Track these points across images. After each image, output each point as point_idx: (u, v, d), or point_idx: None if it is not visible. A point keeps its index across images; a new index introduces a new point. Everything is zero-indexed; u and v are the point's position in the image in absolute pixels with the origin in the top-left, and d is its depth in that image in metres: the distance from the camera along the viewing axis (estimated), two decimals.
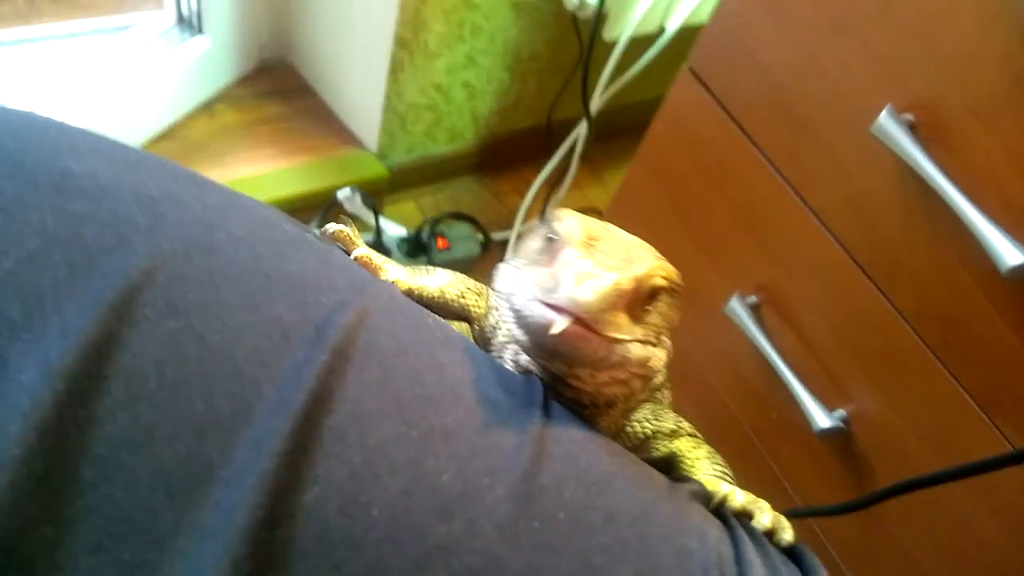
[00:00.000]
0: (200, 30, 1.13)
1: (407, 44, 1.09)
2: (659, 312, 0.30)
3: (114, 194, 0.24)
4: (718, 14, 0.74)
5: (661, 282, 0.29)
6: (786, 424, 0.75)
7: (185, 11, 1.13)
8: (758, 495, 0.33)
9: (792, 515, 0.76)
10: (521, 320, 0.28)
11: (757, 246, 0.76)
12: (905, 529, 0.71)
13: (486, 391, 0.27)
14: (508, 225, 1.33)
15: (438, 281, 0.34)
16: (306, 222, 1.17)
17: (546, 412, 0.28)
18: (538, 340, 0.28)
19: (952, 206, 0.55)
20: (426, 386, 0.25)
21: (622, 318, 0.28)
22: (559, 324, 0.26)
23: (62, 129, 0.26)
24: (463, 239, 1.26)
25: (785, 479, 0.81)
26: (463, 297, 0.35)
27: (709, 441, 0.36)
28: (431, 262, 1.22)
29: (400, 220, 1.27)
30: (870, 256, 0.66)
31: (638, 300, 0.28)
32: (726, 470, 0.33)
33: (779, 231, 0.73)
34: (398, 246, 1.21)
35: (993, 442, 0.61)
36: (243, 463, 0.21)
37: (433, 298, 0.33)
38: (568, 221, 0.29)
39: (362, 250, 0.31)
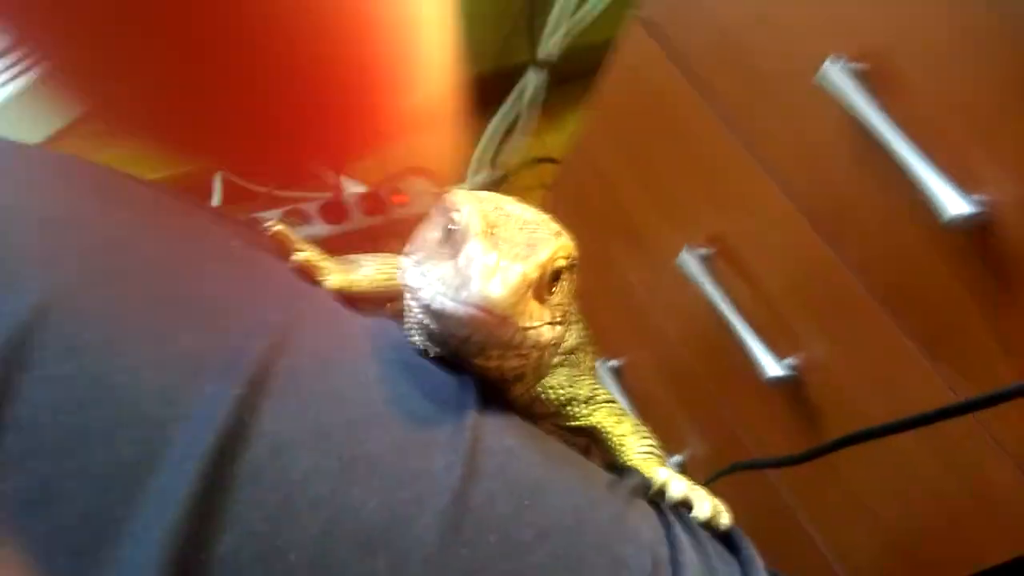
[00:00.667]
0: None
1: None
2: (562, 291, 0.30)
3: (12, 223, 0.23)
4: None
5: (563, 263, 0.29)
6: (739, 373, 0.76)
7: None
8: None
9: (744, 467, 0.78)
10: (433, 316, 0.28)
11: (708, 198, 0.76)
12: (857, 476, 0.72)
13: (414, 407, 0.26)
14: (463, 177, 1.31)
15: (367, 272, 0.34)
16: (264, 184, 1.15)
17: (480, 411, 0.27)
18: (452, 333, 0.28)
19: (896, 155, 0.55)
20: (349, 409, 0.24)
21: (532, 305, 0.28)
22: (471, 322, 0.26)
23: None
24: (421, 194, 1.24)
25: (740, 428, 0.82)
26: (391, 280, 0.35)
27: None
28: (390, 218, 1.20)
29: (360, 175, 1.24)
30: (817, 206, 0.66)
31: (543, 284, 0.29)
32: (653, 444, 0.34)
33: (729, 183, 0.73)
34: (357, 204, 1.19)
35: (938, 390, 0.62)
36: (150, 516, 0.20)
37: (365, 291, 0.34)
38: (466, 210, 0.28)
39: (300, 254, 0.31)
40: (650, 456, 0.33)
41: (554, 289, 0.30)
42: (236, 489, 0.21)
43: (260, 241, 0.30)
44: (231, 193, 1.12)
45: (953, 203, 0.52)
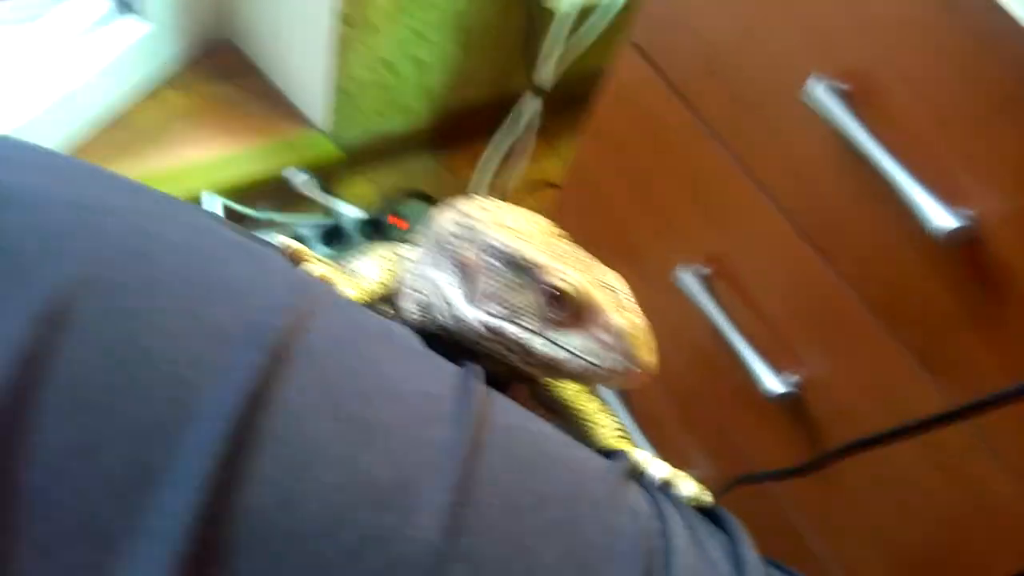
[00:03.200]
0: (139, 13, 1.10)
1: (351, 20, 1.07)
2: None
3: (47, 204, 0.25)
4: None
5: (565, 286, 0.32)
6: (740, 390, 0.76)
7: None
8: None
9: (747, 480, 0.77)
10: (571, 367, 0.32)
11: (704, 216, 0.77)
12: (861, 492, 0.72)
13: (425, 385, 0.28)
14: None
15: (375, 275, 0.36)
16: (256, 206, 1.16)
17: (484, 392, 0.29)
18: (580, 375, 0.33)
19: (884, 172, 0.56)
20: (363, 383, 0.26)
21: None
22: (633, 380, 0.31)
23: (3, 143, 0.27)
24: (420, 217, 1.26)
25: (743, 445, 0.82)
26: (397, 279, 0.37)
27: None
28: (389, 241, 1.21)
29: (357, 200, 1.25)
30: (811, 223, 0.67)
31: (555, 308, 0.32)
32: (623, 427, 0.35)
33: (725, 201, 0.74)
34: (355, 228, 1.20)
35: (935, 400, 0.63)
36: (185, 466, 0.22)
37: (380, 295, 0.36)
38: (573, 278, 0.32)
39: (316, 267, 0.32)
40: (624, 439, 0.34)
41: None
42: (259, 446, 0.23)
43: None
44: (231, 217, 1.14)
45: (940, 217, 0.53)
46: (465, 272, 0.33)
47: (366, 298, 0.34)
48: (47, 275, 0.23)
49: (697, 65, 0.72)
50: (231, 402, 0.23)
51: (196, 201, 1.09)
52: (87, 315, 0.23)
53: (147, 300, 0.24)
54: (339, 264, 0.35)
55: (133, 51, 1.10)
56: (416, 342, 0.30)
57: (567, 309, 0.31)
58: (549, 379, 0.36)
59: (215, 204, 1.09)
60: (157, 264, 0.25)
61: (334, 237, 1.18)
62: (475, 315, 0.33)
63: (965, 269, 0.56)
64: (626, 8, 1.12)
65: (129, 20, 1.10)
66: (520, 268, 0.32)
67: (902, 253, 0.60)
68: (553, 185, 1.42)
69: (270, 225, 1.18)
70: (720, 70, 0.70)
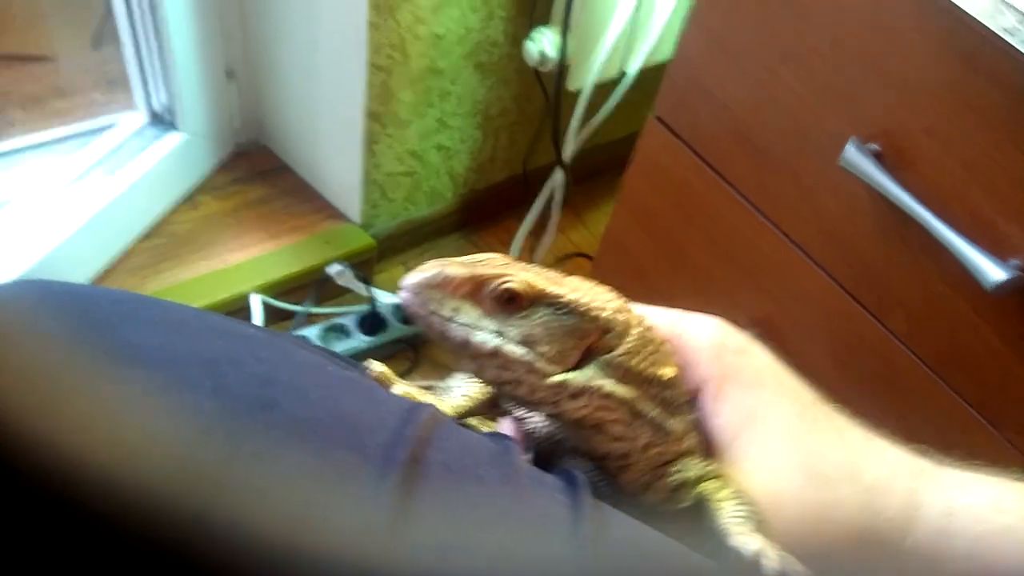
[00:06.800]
0: (174, 126, 1.15)
1: (379, 117, 1.11)
2: (539, 323, 0.32)
3: (175, 360, 0.26)
4: (675, 62, 0.77)
5: (514, 285, 0.32)
6: None
7: (157, 108, 1.15)
8: None
9: None
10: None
11: (746, 281, 0.77)
12: None
13: (541, 506, 0.29)
14: None
15: (465, 392, 0.38)
16: (299, 301, 1.19)
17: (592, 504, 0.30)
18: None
19: (928, 228, 0.57)
20: (481, 512, 0.27)
21: (466, 307, 0.32)
22: (404, 294, 0.31)
23: (115, 299, 0.28)
24: None
25: None
26: (489, 393, 0.38)
27: None
28: None
29: (392, 287, 1.27)
30: (857, 282, 0.67)
31: (490, 299, 0.32)
32: (750, 507, 0.34)
33: (765, 265, 0.75)
34: (393, 314, 1.21)
35: (1002, 450, 0.62)
36: None
37: (471, 413, 0.37)
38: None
39: (400, 387, 0.34)
40: (745, 520, 0.33)
41: (515, 312, 0.33)
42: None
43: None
44: (271, 312, 1.16)
45: (989, 270, 0.54)
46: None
47: (454, 415, 0.35)
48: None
49: (723, 134, 0.74)
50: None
51: (243, 302, 1.12)
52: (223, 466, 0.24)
53: (274, 447, 0.25)
54: (431, 384, 0.37)
55: (168, 161, 1.14)
56: (518, 457, 0.31)
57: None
58: (683, 492, 0.36)
59: (257, 303, 1.12)
60: (280, 410, 0.26)
61: (374, 325, 1.20)
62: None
63: (1018, 319, 0.56)
64: (642, 77, 1.15)
65: (163, 131, 1.15)
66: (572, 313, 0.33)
67: (953, 305, 0.60)
68: (583, 255, 1.44)
69: (311, 318, 1.20)
70: (746, 137, 0.72)
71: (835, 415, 0.36)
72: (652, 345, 0.34)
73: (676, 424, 0.34)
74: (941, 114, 0.58)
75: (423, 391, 0.35)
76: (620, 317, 0.33)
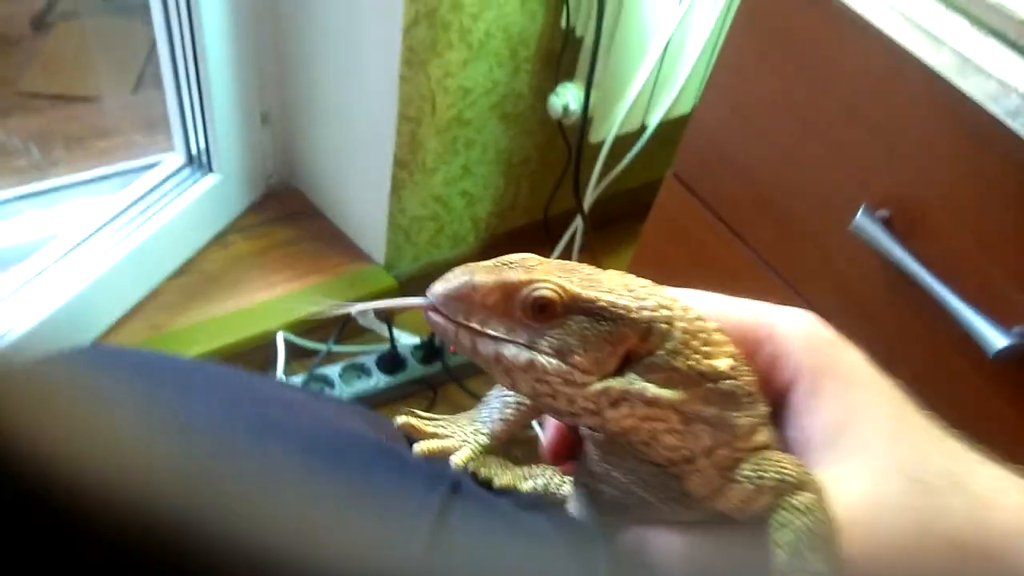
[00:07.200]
0: (210, 168, 1.19)
1: (406, 164, 1.15)
2: (574, 331, 0.29)
3: (227, 429, 0.28)
4: (693, 123, 0.80)
5: (547, 292, 0.29)
6: None
7: (194, 151, 1.20)
8: None
9: None
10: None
11: None
12: None
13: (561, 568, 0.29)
14: None
15: (493, 426, 0.35)
16: (323, 339, 1.22)
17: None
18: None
19: (935, 295, 0.59)
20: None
21: (495, 317, 0.29)
22: (428, 309, 0.29)
23: (177, 368, 0.31)
24: None
25: None
26: (521, 420, 0.36)
27: None
28: (446, 366, 1.25)
29: (414, 327, 1.30)
30: (865, 345, 0.69)
31: (521, 308, 0.29)
32: (826, 525, 0.30)
33: None
34: (412, 353, 1.24)
35: None
36: None
37: (501, 437, 0.35)
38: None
39: (427, 443, 0.33)
40: (809, 537, 0.29)
41: (546, 321, 0.30)
42: None
43: (390, 431, 0.35)
44: (293, 350, 1.19)
45: (995, 338, 0.55)
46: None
47: (484, 452, 0.34)
48: None
49: (740, 195, 0.77)
50: None
51: (268, 339, 1.15)
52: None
53: (305, 516, 0.26)
54: (453, 418, 0.37)
55: (203, 202, 1.18)
56: (546, 524, 0.32)
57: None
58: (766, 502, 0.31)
59: (281, 341, 1.15)
60: (311, 485, 0.28)
61: (393, 364, 1.23)
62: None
63: (1021, 383, 0.58)
64: (662, 128, 1.18)
65: (199, 173, 1.19)
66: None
67: (959, 372, 0.62)
68: None
69: (332, 356, 1.22)
70: (762, 199, 0.74)
71: (931, 422, 0.33)
72: (701, 338, 0.30)
73: (742, 419, 0.30)
74: (950, 183, 0.60)
75: (448, 434, 0.34)
76: (661, 314, 0.30)
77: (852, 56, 0.65)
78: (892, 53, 0.59)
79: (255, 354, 1.16)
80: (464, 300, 0.29)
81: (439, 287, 0.29)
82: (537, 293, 0.29)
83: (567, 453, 0.36)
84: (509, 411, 0.36)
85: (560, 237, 1.33)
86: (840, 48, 0.65)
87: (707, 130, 0.78)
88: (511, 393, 0.36)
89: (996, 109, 0.53)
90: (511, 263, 0.30)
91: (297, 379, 1.16)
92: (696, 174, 0.81)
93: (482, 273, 0.29)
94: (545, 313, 0.29)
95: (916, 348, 0.65)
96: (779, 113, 0.71)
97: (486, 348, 0.29)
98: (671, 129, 1.06)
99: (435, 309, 0.29)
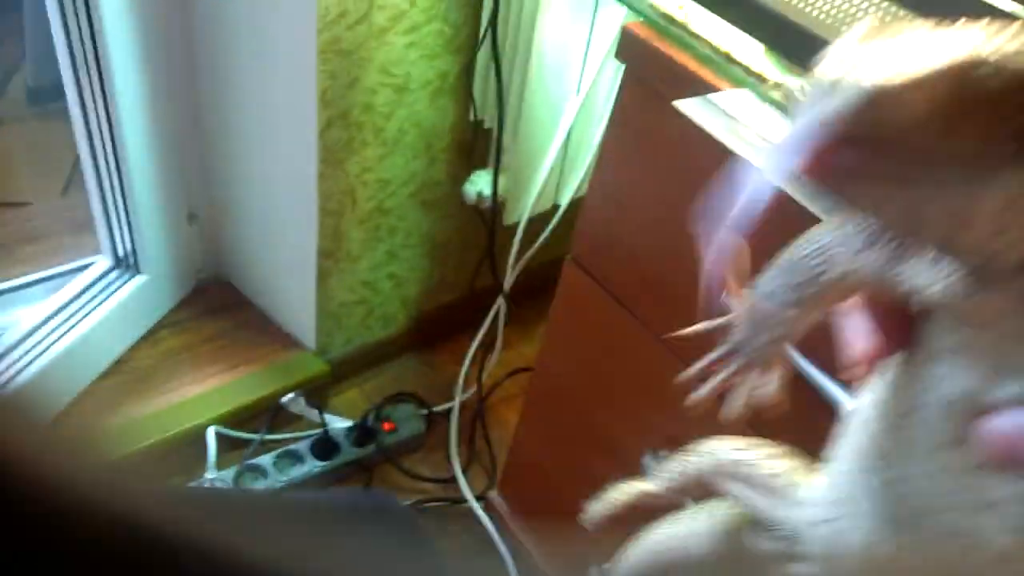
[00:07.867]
0: (137, 269, 1.22)
1: (331, 253, 1.19)
2: None
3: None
4: (584, 209, 0.86)
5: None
6: None
7: (121, 253, 1.22)
8: None
9: None
10: None
11: (658, 407, 0.84)
12: None
13: None
14: (449, 395, 1.40)
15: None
16: (255, 430, 1.23)
17: None
18: None
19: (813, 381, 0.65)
20: None
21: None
22: None
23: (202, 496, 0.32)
24: (408, 418, 1.33)
25: None
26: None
27: None
28: (380, 446, 1.27)
29: (346, 410, 1.33)
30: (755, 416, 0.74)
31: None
32: None
33: (675, 392, 0.82)
34: (345, 437, 1.27)
35: None
36: None
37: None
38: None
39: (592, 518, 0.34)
40: None
41: None
42: None
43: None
44: (226, 442, 1.20)
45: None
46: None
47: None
48: None
49: (632, 278, 0.83)
50: None
51: (198, 434, 1.16)
52: None
53: None
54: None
55: (129, 302, 1.21)
56: None
57: None
58: None
59: (212, 436, 1.16)
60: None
61: (326, 449, 1.25)
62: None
63: None
64: (574, 206, 1.25)
65: (127, 275, 1.22)
66: None
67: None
68: (531, 370, 1.51)
69: (265, 445, 1.24)
70: (652, 281, 0.80)
71: None
72: None
73: None
74: None
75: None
76: None
77: (696, 156, 0.72)
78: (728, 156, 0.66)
79: (188, 449, 1.17)
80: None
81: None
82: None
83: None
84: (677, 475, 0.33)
85: (488, 309, 1.38)
86: (687, 149, 0.72)
87: (595, 218, 0.85)
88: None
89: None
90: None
91: (229, 472, 1.17)
92: (591, 257, 0.87)
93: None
94: None
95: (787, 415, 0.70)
96: (652, 200, 0.78)
97: None
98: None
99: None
